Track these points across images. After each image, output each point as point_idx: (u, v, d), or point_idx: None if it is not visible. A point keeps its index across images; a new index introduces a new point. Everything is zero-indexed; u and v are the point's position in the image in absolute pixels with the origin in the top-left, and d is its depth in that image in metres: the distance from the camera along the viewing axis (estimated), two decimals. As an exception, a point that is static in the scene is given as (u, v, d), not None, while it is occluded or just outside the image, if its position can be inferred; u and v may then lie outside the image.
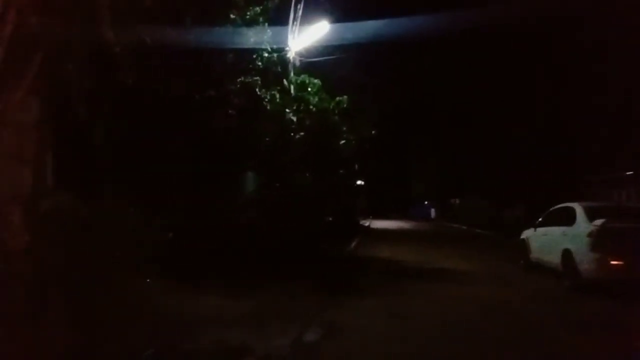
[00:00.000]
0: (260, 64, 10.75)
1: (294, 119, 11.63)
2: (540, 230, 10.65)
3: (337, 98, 12.24)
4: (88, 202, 3.81)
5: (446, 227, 33.01)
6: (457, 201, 39.59)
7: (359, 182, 26.47)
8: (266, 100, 10.82)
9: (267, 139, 10.74)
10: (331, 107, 12.12)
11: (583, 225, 8.58)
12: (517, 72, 25.86)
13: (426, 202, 51.75)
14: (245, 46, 10.19)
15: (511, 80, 26.38)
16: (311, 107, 11.94)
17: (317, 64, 14.45)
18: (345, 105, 12.24)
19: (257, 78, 10.50)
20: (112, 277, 3.64)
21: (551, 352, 5.13)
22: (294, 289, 7.85)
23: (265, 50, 10.74)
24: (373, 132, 13.61)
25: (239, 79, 10.32)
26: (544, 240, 10.32)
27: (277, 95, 11.19)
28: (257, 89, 10.44)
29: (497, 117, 29.05)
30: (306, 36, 13.08)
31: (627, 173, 19.99)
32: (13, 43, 3.10)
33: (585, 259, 8.16)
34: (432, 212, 48.77)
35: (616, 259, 7.75)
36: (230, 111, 10.16)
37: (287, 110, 11.48)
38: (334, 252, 13.33)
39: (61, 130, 4.07)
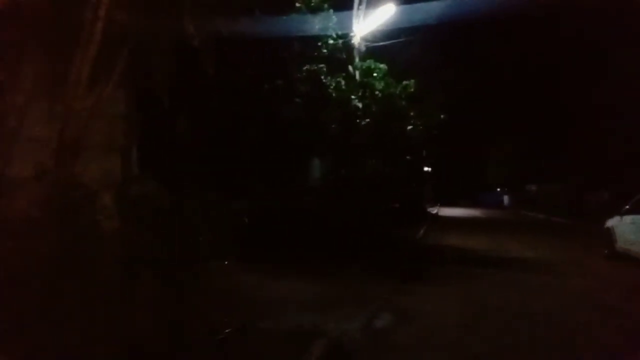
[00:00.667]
0: (325, 51, 10.78)
1: (360, 105, 11.54)
2: (629, 217, 9.83)
3: (404, 82, 11.96)
4: (172, 188, 4.05)
5: (521, 216, 31.45)
6: (534, 187, 37.51)
7: (426, 169, 25.85)
8: (331, 87, 10.84)
9: (332, 126, 10.77)
10: (397, 92, 11.85)
11: (680, 212, 7.82)
12: (599, 48, 23.69)
13: (499, 189, 49.56)
14: (311, 34, 10.27)
15: (590, 56, 24.25)
16: (377, 92, 11.76)
17: (383, 48, 14.19)
18: (412, 90, 11.92)
19: (323, 65, 10.54)
20: (196, 259, 3.86)
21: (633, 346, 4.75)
22: (364, 274, 7.90)
23: (330, 37, 10.75)
24: (442, 116, 13.18)
25: (304, 67, 10.43)
26: (633, 229, 9.53)
27: (343, 82, 11.16)
28: (322, 77, 10.49)
29: (578, 96, 26.91)
30: (372, 20, 12.85)
31: None
32: (103, 39, 3.34)
33: (682, 249, 7.45)
34: (506, 199, 46.63)
35: None
36: (297, 99, 10.32)
37: (353, 96, 11.42)
38: (401, 239, 13.20)
39: (147, 121, 4.35)
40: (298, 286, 6.67)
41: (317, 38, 10.80)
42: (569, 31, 25.22)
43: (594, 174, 26.43)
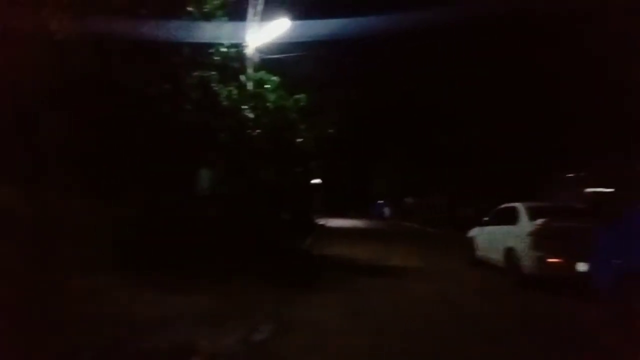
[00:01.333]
0: (217, 58, 10.64)
1: (251, 115, 11.57)
2: (487, 228, 11.16)
3: (295, 96, 12.28)
4: (34, 197, 3.67)
5: (399, 226, 33.78)
6: (411, 200, 40.60)
7: (316, 181, 26.61)
8: (223, 95, 10.72)
9: (222, 135, 10.63)
10: (289, 104, 12.14)
11: (525, 224, 9.07)
12: (482, 69, 26.20)
13: (381, 201, 52.65)
14: (203, 40, 10.06)
15: (473, 79, 26.86)
16: (269, 104, 11.91)
17: (277, 61, 14.41)
18: (303, 104, 12.29)
19: (214, 73, 10.38)
20: (58, 276, 3.53)
21: (489, 340, 5.50)
22: (248, 285, 7.87)
23: (223, 45, 10.64)
24: (331, 130, 13.73)
25: (195, 73, 10.18)
26: (489, 238, 10.83)
27: (234, 91, 11.10)
28: (213, 84, 10.33)
29: (457, 118, 29.78)
30: (266, 32, 13.01)
31: (568, 175, 21.19)
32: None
33: (526, 257, 8.64)
34: (387, 211, 49.69)
35: (555, 257, 8.23)
36: (187, 106, 10.01)
37: (244, 106, 11.41)
38: (289, 250, 13.40)
39: (2, 123, 3.88)
40: (179, 300, 6.43)
41: (209, 45, 10.62)
42: (451, 51, 27.48)
43: (463, 189, 29.54)
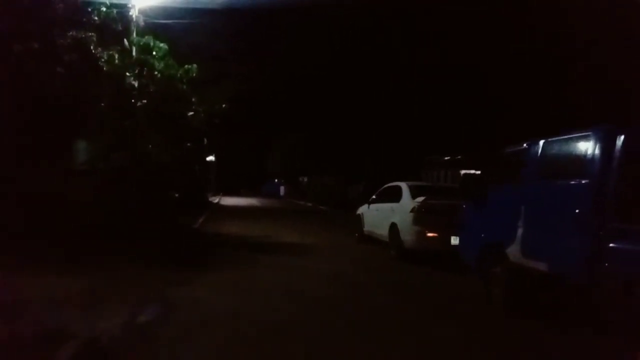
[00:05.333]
0: (96, 18, 9.61)
1: (136, 83, 10.69)
2: (373, 206, 11.75)
3: (186, 66, 11.54)
4: None
5: (294, 204, 34.27)
6: (305, 179, 41.35)
7: (209, 158, 25.74)
8: (103, 60, 9.74)
9: (102, 104, 9.70)
10: (179, 74, 11.38)
11: (407, 202, 9.71)
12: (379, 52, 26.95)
13: (276, 180, 52.91)
14: (79, -4, 9.02)
15: (369, 61, 27.64)
16: (156, 72, 11.06)
17: (164, 27, 13.40)
18: (194, 75, 11.59)
19: (93, 34, 9.39)
20: None
21: (370, 308, 5.93)
22: (137, 265, 7.38)
23: (103, 4, 9.63)
24: (224, 105, 13.21)
25: (69, 33, 9.09)
26: (375, 215, 11.42)
27: (116, 56, 10.14)
28: (91, 47, 9.33)
29: (350, 99, 30.62)
30: (153, -7, 11.99)
31: (446, 158, 23.20)
32: None
33: (407, 232, 9.29)
34: (282, 189, 50.11)
35: (432, 232, 8.97)
36: (58, 68, 8.92)
37: (128, 73, 10.49)
38: (181, 228, 12.85)
39: None
40: (57, 282, 5.82)
41: (87, 3, 9.54)
42: (364, 29, 27.63)
43: (354, 169, 30.84)
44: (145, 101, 10.74)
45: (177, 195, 16.79)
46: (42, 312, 4.64)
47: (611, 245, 4.39)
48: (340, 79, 30.85)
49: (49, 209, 8.40)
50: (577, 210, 4.75)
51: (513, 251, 5.59)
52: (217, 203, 29.32)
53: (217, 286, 6.71)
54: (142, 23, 11.78)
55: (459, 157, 22.18)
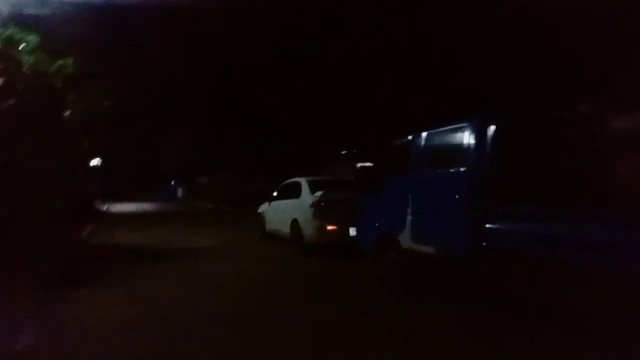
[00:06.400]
0: (-56, 4, 8.26)
1: (0, 80, 9.39)
2: (274, 203, 11.73)
3: (60, 61, 10.42)
4: None
5: (193, 206, 32.97)
6: (205, 179, 40.02)
7: (94, 162, 23.68)
8: (-46, 53, 8.41)
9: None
10: (52, 70, 10.24)
11: (306, 197, 9.84)
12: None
13: (172, 182, 50.45)
14: None
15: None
16: (24, 68, 9.83)
17: (35, 17, 11.96)
18: (70, 70, 10.51)
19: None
20: None
21: (271, 301, 6.07)
22: (10, 283, 6.48)
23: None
24: (107, 102, 12.14)
25: None
26: (277, 212, 11.42)
27: (-27, 49, 8.83)
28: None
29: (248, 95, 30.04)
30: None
31: (342, 152, 23.92)
32: None
33: (308, 226, 9.42)
34: (180, 191, 47.93)
35: (332, 225, 9.19)
36: None
37: (-11, 69, 9.19)
38: (63, 240, 11.61)
39: None
40: None
41: None
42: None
43: (255, 167, 30.50)
44: (12, 101, 9.48)
45: (59, 205, 15.19)
46: None
47: (487, 226, 4.85)
48: (234, 75, 30.17)
49: None
50: (456, 197, 5.16)
51: (404, 237, 5.94)
52: (106, 211, 27.13)
53: (105, 302, 6.19)
54: (4, 13, 10.36)
55: (355, 150, 22.99)
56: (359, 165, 20.87)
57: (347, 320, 5.22)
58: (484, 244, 4.85)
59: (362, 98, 21.60)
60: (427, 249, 5.56)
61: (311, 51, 22.18)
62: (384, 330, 4.87)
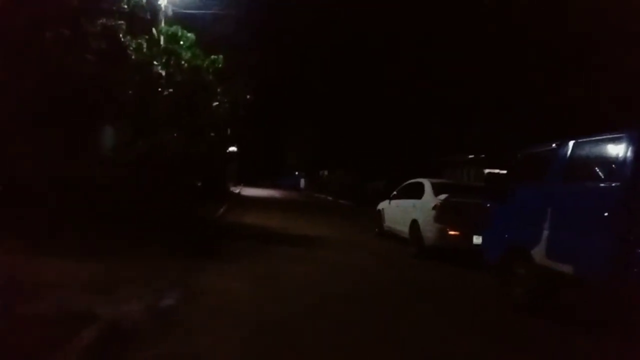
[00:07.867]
0: (126, 7, 9.73)
1: (163, 72, 10.80)
2: (394, 202, 11.67)
3: (212, 57, 11.61)
4: None
5: (313, 197, 34.36)
6: (326, 173, 41.35)
7: (231, 149, 25.91)
8: (131, 48, 9.87)
9: (130, 91, 9.83)
10: (205, 65, 11.46)
11: (429, 199, 9.60)
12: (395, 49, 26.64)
13: (297, 173, 53.12)
14: (110, -16, 9.15)
15: (384, 59, 27.36)
16: (183, 62, 11.16)
17: (193, 17, 13.52)
18: (220, 66, 11.65)
19: (122, 22, 9.50)
20: None
21: (390, 304, 5.88)
22: (158, 253, 7.48)
23: (133, -8, 9.74)
24: (248, 96, 13.25)
25: (99, 21, 9.24)
26: (396, 211, 11.34)
27: (144, 44, 10.26)
28: (120, 35, 9.46)
29: (369, 96, 30.43)
30: (181, -16, 12.10)
31: (469, 156, 22.85)
32: None
33: (428, 229, 9.19)
34: (302, 182, 50.26)
35: (454, 230, 8.85)
36: (88, 56, 9.08)
37: (155, 62, 10.61)
38: (202, 218, 12.99)
39: None
40: (82, 267, 5.92)
41: (117, -9, 9.66)
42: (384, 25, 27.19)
43: (375, 165, 30.68)
44: (171, 90, 10.84)
45: (199, 184, 16.98)
46: (64, 295, 4.75)
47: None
48: (363, 75, 30.55)
49: (74, 196, 8.56)
50: (606, 214, 4.61)
51: (538, 253, 5.48)
52: (238, 193, 29.57)
53: (237, 275, 6.74)
54: (170, 12, 11.90)
55: (483, 155, 21.83)
56: (486, 171, 19.73)
57: (469, 335, 4.95)
58: (635, 270, 4.28)
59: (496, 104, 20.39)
60: (565, 267, 5.06)
61: (449, 55, 21.53)
62: (511, 349, 4.57)
